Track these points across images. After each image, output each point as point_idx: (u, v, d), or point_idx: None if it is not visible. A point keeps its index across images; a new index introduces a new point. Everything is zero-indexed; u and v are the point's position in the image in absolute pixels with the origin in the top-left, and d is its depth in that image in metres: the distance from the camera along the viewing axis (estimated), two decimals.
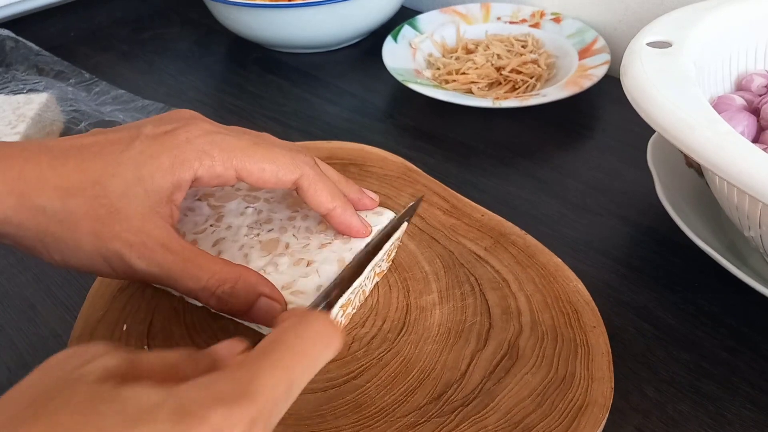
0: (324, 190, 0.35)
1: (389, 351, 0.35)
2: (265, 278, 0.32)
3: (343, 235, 0.37)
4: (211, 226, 0.38)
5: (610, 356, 0.34)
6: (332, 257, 0.36)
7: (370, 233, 0.37)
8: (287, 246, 0.36)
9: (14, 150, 0.30)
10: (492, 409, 0.32)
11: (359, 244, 0.37)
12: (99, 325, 0.37)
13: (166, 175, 0.31)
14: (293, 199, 0.40)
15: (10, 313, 0.42)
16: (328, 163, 0.48)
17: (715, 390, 0.36)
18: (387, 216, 0.39)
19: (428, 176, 0.47)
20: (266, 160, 0.33)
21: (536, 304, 0.37)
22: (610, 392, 0.32)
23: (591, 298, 0.37)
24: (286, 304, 0.33)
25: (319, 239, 0.37)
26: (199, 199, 0.40)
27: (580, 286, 0.38)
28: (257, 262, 0.35)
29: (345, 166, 0.48)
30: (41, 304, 0.43)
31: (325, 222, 0.37)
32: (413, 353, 0.35)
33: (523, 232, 0.41)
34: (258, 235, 0.37)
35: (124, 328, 0.37)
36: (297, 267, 0.35)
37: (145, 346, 0.36)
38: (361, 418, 0.32)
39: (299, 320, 0.24)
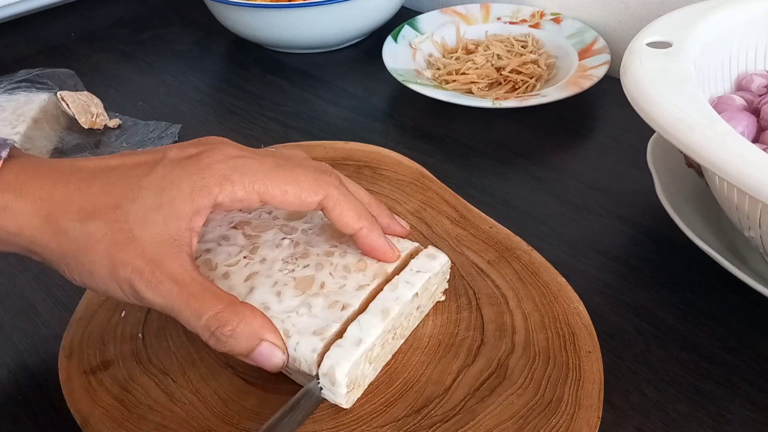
0: (350, 211, 0.33)
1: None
2: (271, 323, 0.31)
3: (369, 257, 0.35)
4: (245, 258, 0.35)
5: (602, 384, 0.33)
6: (376, 307, 0.33)
7: (398, 257, 0.35)
8: (323, 285, 0.34)
9: (47, 169, 0.31)
10: (471, 428, 0.31)
11: (405, 293, 0.33)
12: (100, 309, 0.38)
13: (186, 201, 0.30)
14: (332, 231, 0.37)
15: (10, 313, 0.42)
16: (343, 164, 0.48)
17: (715, 390, 0.36)
18: (440, 260, 0.36)
19: (441, 183, 0.46)
20: (288, 182, 0.32)
21: (533, 324, 0.36)
22: (596, 422, 0.31)
23: (590, 322, 0.36)
24: (287, 352, 0.31)
25: (357, 279, 0.34)
26: (234, 227, 0.37)
27: (581, 308, 0.37)
28: (290, 301, 0.33)
29: (359, 168, 0.48)
30: (41, 304, 0.43)
31: (364, 260, 0.35)
32: (399, 363, 0.35)
33: (530, 247, 0.41)
34: (293, 270, 0.35)
35: (123, 314, 0.38)
36: (331, 310, 0.33)
37: (140, 334, 0.37)
38: (337, 425, 0.32)
39: None
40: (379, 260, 0.35)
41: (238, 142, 0.34)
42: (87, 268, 0.30)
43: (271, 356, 0.31)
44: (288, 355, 0.31)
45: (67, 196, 0.30)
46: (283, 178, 0.32)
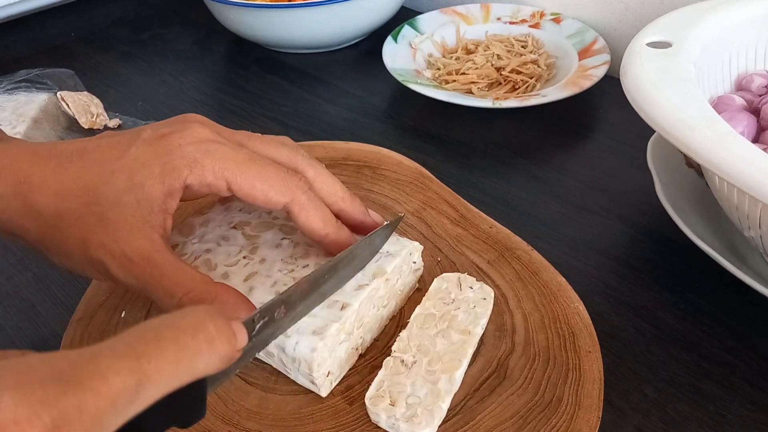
0: (316, 217, 0.33)
1: (376, 359, 0.35)
2: (246, 299, 0.31)
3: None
4: (244, 257, 0.35)
5: (602, 384, 0.33)
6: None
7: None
8: None
9: (26, 152, 0.31)
10: (471, 428, 0.32)
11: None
12: (99, 310, 0.38)
13: (156, 184, 0.30)
14: None
15: (10, 313, 0.42)
16: (343, 164, 0.48)
17: (715, 390, 0.36)
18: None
19: (441, 183, 0.46)
20: (258, 177, 0.32)
21: (533, 323, 0.36)
22: (596, 422, 0.31)
23: (590, 322, 0.36)
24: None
25: (356, 279, 0.34)
26: (234, 227, 0.37)
27: (581, 308, 0.37)
28: None
29: (359, 168, 0.48)
30: (41, 304, 0.43)
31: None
32: None
33: (530, 247, 0.41)
34: (292, 271, 0.35)
35: (123, 314, 0.38)
36: (331, 309, 0.33)
37: None
38: (338, 424, 0.32)
39: (187, 310, 0.21)
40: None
41: None
42: (63, 250, 0.30)
43: (245, 333, 0.30)
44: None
45: (44, 180, 0.30)
46: (254, 173, 0.32)
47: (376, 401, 0.31)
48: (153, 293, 0.30)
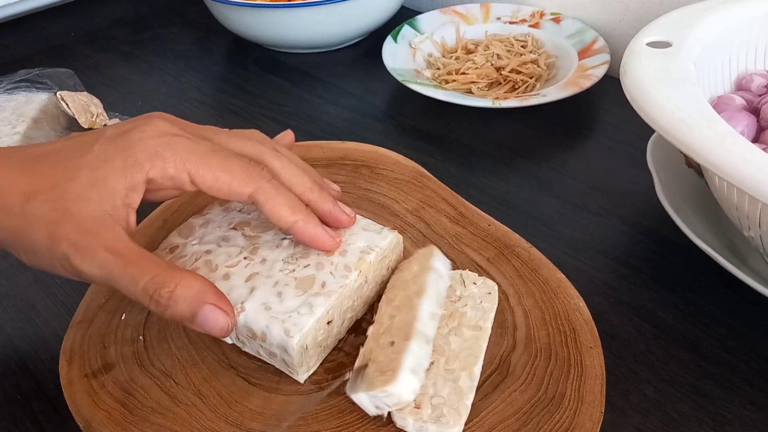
0: (283, 205, 0.33)
1: None
2: (213, 286, 0.31)
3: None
4: (245, 258, 0.36)
5: (604, 379, 0.33)
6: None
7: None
8: (324, 285, 0.34)
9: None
10: (475, 425, 0.32)
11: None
12: (99, 312, 0.38)
13: (119, 178, 0.31)
14: None
15: (10, 313, 0.42)
16: (341, 164, 0.48)
17: (715, 390, 0.36)
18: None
19: (439, 182, 0.46)
20: (221, 169, 0.32)
21: (534, 320, 0.36)
22: (599, 417, 0.32)
23: (591, 318, 0.36)
24: (234, 315, 0.31)
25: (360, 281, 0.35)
26: (234, 228, 0.37)
27: (582, 304, 0.37)
28: (292, 301, 0.33)
29: (357, 168, 0.48)
30: (41, 304, 0.43)
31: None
32: None
33: (529, 244, 0.41)
34: (293, 270, 0.35)
35: (123, 317, 0.38)
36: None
37: (140, 337, 0.36)
38: (341, 423, 0.32)
39: None
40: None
41: None
42: (30, 247, 0.31)
43: (215, 320, 0.30)
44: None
45: (12, 181, 0.31)
46: (216, 164, 0.32)
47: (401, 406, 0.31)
48: (118, 282, 0.30)
